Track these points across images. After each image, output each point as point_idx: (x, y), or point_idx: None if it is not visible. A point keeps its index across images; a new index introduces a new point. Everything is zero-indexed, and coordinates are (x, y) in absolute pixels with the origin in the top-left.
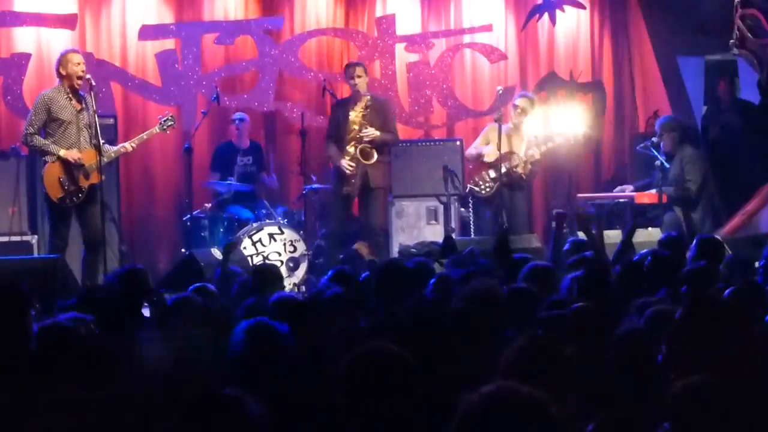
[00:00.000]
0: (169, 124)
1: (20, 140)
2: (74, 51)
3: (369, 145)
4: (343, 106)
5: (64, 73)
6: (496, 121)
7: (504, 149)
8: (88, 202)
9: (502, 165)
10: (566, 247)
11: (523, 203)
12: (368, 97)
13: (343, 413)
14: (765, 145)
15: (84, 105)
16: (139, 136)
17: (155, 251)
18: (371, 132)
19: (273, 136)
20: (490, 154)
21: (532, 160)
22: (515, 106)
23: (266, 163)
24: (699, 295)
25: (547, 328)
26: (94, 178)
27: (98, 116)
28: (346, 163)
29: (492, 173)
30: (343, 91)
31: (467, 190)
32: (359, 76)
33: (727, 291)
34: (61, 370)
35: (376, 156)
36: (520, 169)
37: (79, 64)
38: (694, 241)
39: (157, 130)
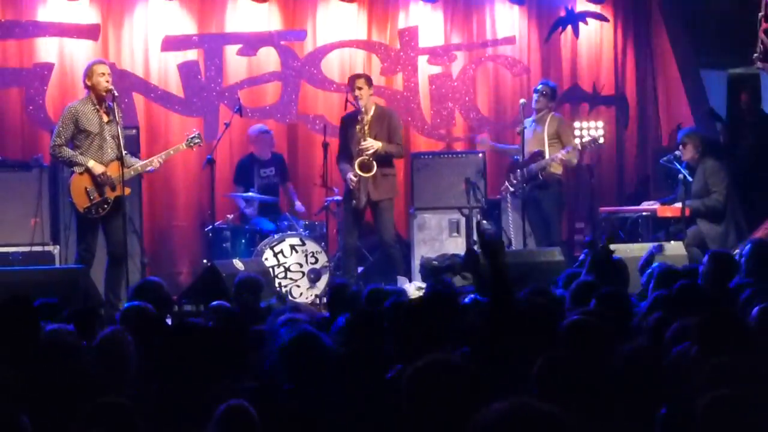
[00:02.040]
0: (196, 141)
1: (47, 151)
2: (100, 62)
3: (367, 158)
4: (350, 120)
5: (89, 84)
6: (519, 134)
7: (534, 146)
8: (114, 215)
9: (533, 165)
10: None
11: (552, 209)
12: (373, 108)
13: (404, 422)
14: None
15: (112, 116)
16: (166, 151)
17: (177, 262)
18: (369, 143)
19: (295, 148)
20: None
21: (566, 161)
22: (536, 91)
23: (289, 174)
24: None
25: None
26: (121, 190)
27: (121, 127)
28: (350, 177)
29: (520, 174)
30: None
31: (502, 190)
32: (360, 88)
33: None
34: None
35: (375, 168)
36: (552, 170)
37: (103, 74)
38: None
39: (184, 147)
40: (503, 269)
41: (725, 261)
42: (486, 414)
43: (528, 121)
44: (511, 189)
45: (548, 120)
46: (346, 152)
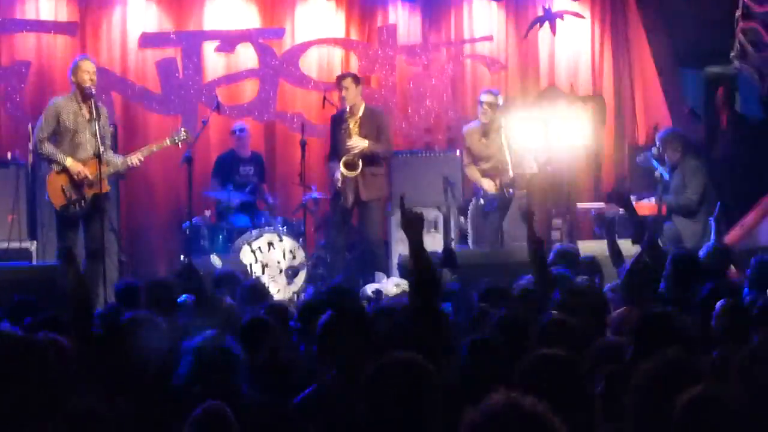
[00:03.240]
0: (182, 138)
1: (25, 148)
2: (86, 58)
3: (352, 157)
4: (339, 119)
5: (74, 80)
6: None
7: (490, 161)
8: (94, 211)
9: (497, 180)
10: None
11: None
12: (362, 107)
13: (364, 421)
14: (763, 158)
15: (96, 113)
16: (148, 147)
17: (155, 259)
18: (355, 142)
19: (273, 146)
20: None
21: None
22: (480, 103)
23: (267, 174)
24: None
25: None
26: (101, 187)
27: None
28: (336, 177)
29: (492, 188)
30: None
31: (472, 202)
32: (346, 88)
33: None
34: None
35: (360, 167)
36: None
37: (87, 72)
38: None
39: (167, 143)
40: (424, 255)
41: (687, 262)
42: (476, 410)
43: (473, 130)
44: (482, 202)
45: (502, 129)
46: (336, 151)
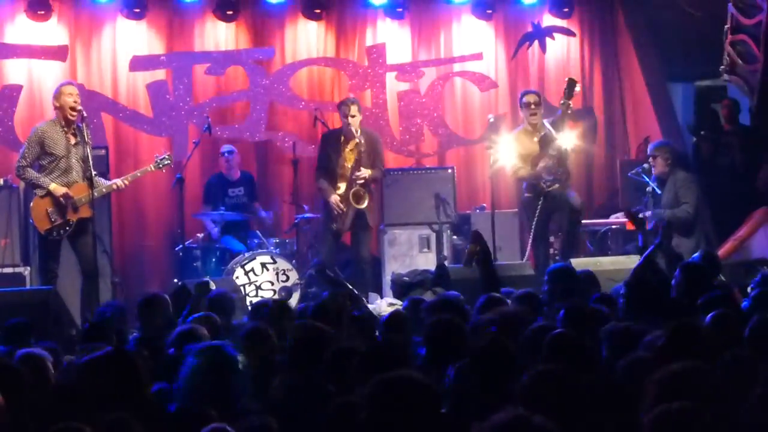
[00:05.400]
0: (166, 163)
1: (13, 172)
2: (69, 83)
3: (362, 189)
4: (335, 140)
5: (57, 105)
6: (488, 149)
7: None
8: (79, 235)
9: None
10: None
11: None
12: (362, 135)
13: None
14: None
15: (79, 138)
16: (133, 173)
17: (148, 282)
18: (364, 173)
19: (265, 166)
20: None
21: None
22: (526, 105)
23: (259, 194)
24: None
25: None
26: (84, 212)
27: (91, 149)
28: (335, 203)
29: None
30: (334, 121)
31: (524, 191)
32: (353, 116)
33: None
34: None
35: (367, 201)
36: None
37: (71, 95)
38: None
39: (152, 168)
40: None
41: (696, 272)
42: (485, 426)
43: (521, 132)
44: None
45: (546, 124)
46: (328, 171)
